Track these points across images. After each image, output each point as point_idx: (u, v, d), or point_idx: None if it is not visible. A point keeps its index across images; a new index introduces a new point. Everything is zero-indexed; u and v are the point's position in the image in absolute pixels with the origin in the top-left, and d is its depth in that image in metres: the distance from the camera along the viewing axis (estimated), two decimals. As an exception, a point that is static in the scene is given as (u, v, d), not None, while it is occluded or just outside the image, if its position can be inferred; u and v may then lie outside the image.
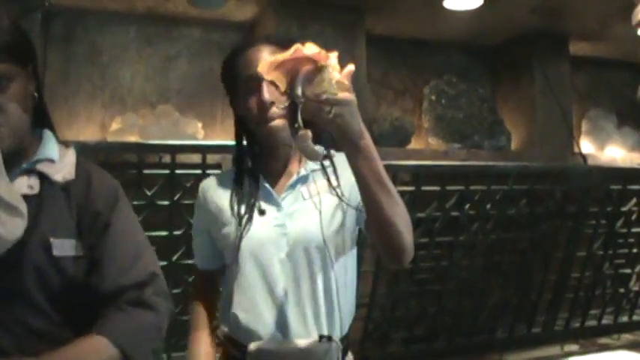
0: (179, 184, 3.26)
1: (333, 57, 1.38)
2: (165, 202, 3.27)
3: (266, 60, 1.39)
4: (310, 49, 1.36)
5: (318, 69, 1.36)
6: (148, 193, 3.22)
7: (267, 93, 1.74)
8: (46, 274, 1.42)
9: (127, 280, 1.49)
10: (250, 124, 1.82)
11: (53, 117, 1.64)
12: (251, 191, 1.83)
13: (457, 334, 4.21)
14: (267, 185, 1.83)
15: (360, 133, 1.44)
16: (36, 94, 1.52)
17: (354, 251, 1.87)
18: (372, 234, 1.65)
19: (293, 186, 1.83)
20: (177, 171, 3.25)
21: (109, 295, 1.47)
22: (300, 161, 1.87)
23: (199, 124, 4.05)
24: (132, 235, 1.58)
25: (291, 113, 1.37)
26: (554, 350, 4.48)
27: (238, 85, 1.81)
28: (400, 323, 4.01)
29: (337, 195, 1.76)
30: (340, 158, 1.83)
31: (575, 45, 5.07)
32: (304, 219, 1.77)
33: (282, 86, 1.39)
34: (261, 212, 1.79)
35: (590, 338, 4.75)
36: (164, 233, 3.25)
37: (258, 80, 1.74)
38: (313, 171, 1.84)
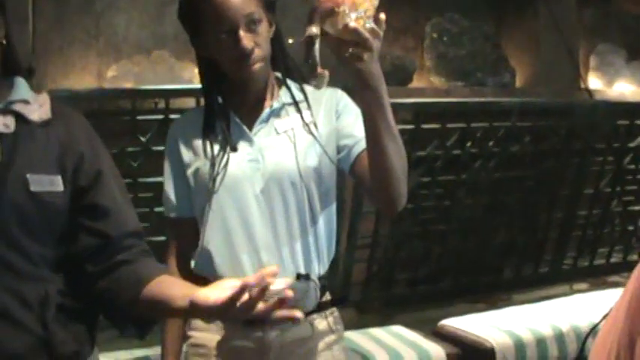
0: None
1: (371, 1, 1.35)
2: (161, 148, 3.22)
3: None
4: None
5: (331, 11, 1.33)
6: (143, 140, 3.18)
7: (245, 39, 1.68)
8: (24, 210, 1.42)
9: (133, 227, 1.56)
10: (225, 66, 1.77)
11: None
12: (223, 128, 1.78)
13: (463, 274, 4.17)
14: (238, 120, 1.79)
15: (379, 78, 1.41)
16: (4, 42, 1.50)
17: (333, 190, 1.83)
18: (370, 180, 1.62)
19: (265, 120, 1.79)
20: (172, 116, 3.20)
21: (116, 239, 1.52)
22: (272, 95, 1.82)
23: (196, 69, 3.99)
24: (122, 183, 1.63)
25: (307, 48, 1.33)
26: (562, 289, 4.43)
27: (208, 27, 1.74)
28: (404, 264, 3.98)
29: (310, 132, 1.74)
30: (314, 95, 1.80)
31: (581, -22, 4.95)
32: (278, 153, 1.74)
33: None
34: (234, 149, 1.76)
35: (600, 277, 4.70)
36: (160, 179, 3.22)
37: (235, 26, 1.69)
38: (286, 104, 1.80)
